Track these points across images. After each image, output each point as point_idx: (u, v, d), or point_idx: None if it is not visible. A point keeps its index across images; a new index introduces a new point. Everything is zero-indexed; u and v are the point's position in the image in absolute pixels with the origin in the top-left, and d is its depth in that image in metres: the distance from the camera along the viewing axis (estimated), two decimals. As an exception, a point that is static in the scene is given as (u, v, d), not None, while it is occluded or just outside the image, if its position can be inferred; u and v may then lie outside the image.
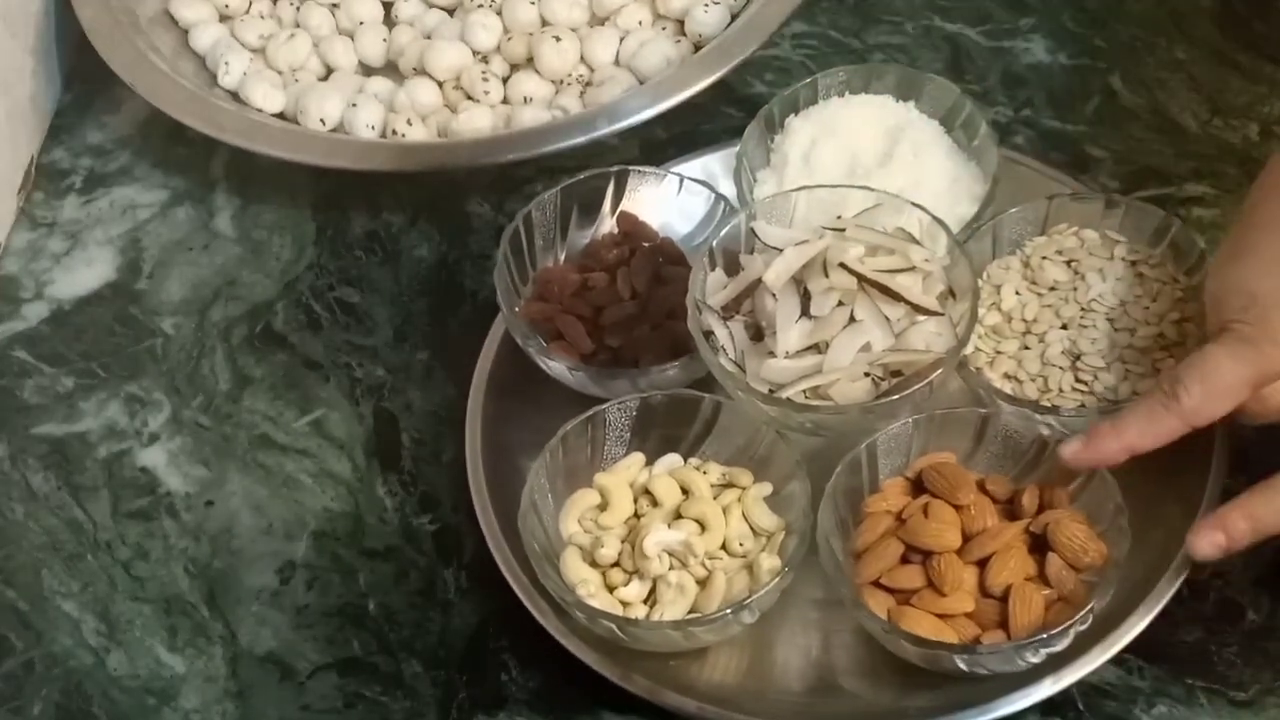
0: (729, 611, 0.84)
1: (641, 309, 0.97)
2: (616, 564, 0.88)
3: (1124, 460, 0.84)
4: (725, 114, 1.13)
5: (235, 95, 1.15)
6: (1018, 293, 0.94)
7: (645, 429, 0.92)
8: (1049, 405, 0.90)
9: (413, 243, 1.10)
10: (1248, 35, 1.14)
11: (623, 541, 0.88)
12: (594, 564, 0.88)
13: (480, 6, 1.17)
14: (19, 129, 1.15)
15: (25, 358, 1.06)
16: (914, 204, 0.92)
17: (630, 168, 1.01)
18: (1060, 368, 0.91)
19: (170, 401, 1.03)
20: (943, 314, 0.89)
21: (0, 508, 0.99)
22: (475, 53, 1.16)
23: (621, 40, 1.15)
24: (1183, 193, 1.06)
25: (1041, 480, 0.88)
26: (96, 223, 1.13)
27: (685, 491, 0.90)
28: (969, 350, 0.91)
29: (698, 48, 1.13)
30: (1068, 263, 0.94)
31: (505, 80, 1.15)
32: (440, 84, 1.15)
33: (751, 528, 0.89)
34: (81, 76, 1.21)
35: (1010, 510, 0.87)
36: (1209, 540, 0.85)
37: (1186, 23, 1.16)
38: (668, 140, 1.11)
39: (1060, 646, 0.83)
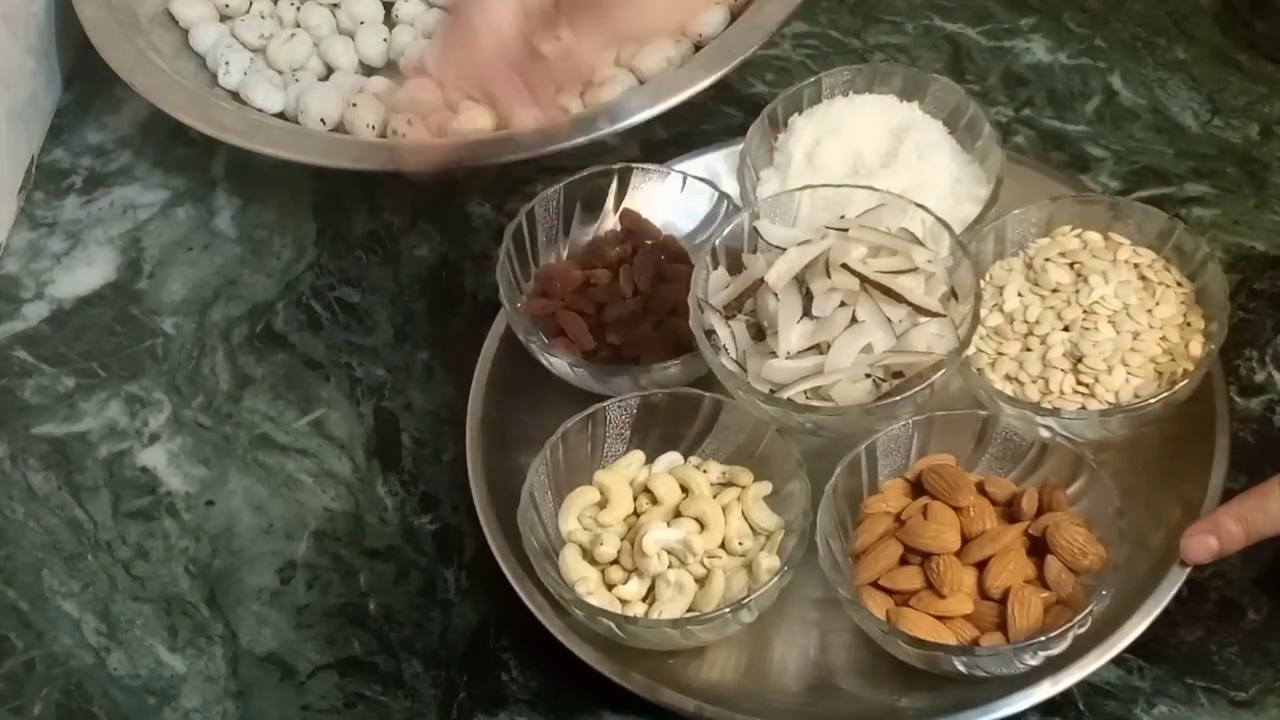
0: (727, 610, 0.84)
1: (643, 306, 0.97)
2: (616, 562, 0.88)
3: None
4: (726, 114, 1.13)
5: (236, 95, 1.15)
6: (1020, 294, 0.94)
7: (645, 427, 0.92)
8: (1050, 407, 0.90)
9: (413, 242, 1.10)
10: (1248, 35, 1.15)
11: (622, 539, 0.88)
12: (593, 562, 0.88)
13: (481, 6, 1.17)
14: (19, 129, 1.15)
15: (25, 358, 1.06)
16: (917, 205, 0.92)
17: (634, 165, 1.01)
18: (1062, 370, 0.91)
19: (170, 401, 1.03)
20: (945, 315, 0.89)
21: (0, 508, 0.99)
22: (476, 52, 1.16)
23: (622, 40, 1.15)
24: (1183, 193, 1.06)
25: (1041, 483, 0.88)
26: (97, 223, 1.13)
27: (685, 490, 0.90)
28: (970, 351, 0.91)
29: (698, 48, 1.13)
30: (1070, 265, 0.94)
31: (505, 80, 1.15)
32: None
33: (751, 527, 0.89)
34: (82, 76, 1.21)
35: (1010, 512, 0.87)
36: (1201, 544, 0.86)
37: (1186, 23, 1.16)
38: (668, 140, 1.11)
39: (1059, 649, 0.83)
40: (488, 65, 0.95)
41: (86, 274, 1.10)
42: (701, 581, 0.87)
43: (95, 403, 1.04)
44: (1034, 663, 0.83)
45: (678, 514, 0.89)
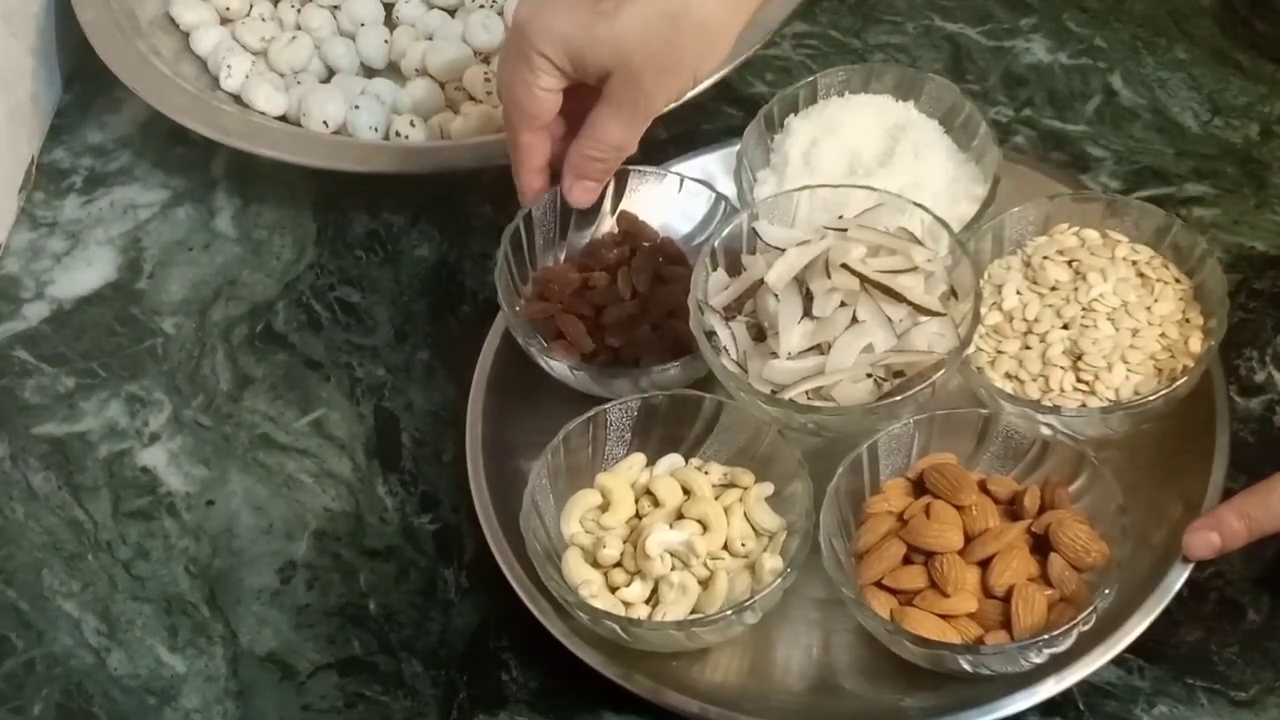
0: (731, 612, 0.84)
1: (642, 309, 0.97)
2: (618, 564, 0.88)
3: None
4: (725, 114, 1.13)
5: (237, 98, 1.15)
6: (1019, 292, 0.94)
7: (646, 429, 0.92)
8: (1050, 405, 0.90)
9: (413, 243, 1.10)
10: (1248, 35, 1.15)
11: (624, 542, 0.88)
12: (596, 564, 0.88)
13: (481, 7, 1.17)
14: (19, 129, 1.15)
15: (26, 358, 1.06)
16: (916, 204, 0.92)
17: (630, 167, 1.01)
18: (1061, 367, 0.91)
19: (171, 401, 1.03)
20: (945, 314, 0.89)
21: (1, 508, 0.99)
22: (477, 53, 1.16)
23: (622, 40, 1.15)
24: (1183, 193, 1.06)
25: (1043, 481, 0.88)
26: (97, 223, 1.13)
27: (687, 492, 0.90)
28: (970, 350, 0.91)
29: (698, 48, 1.13)
30: (1069, 262, 0.94)
31: (506, 80, 1.15)
32: (442, 85, 1.15)
33: (753, 528, 0.89)
34: (82, 77, 1.21)
35: (1012, 510, 0.87)
36: (1204, 539, 0.86)
37: (1186, 23, 1.16)
38: (668, 140, 1.11)
39: (1063, 646, 0.83)
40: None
41: (86, 274, 1.10)
42: (705, 583, 0.87)
43: (95, 403, 1.04)
44: (1039, 660, 0.83)
45: (680, 516, 0.89)
